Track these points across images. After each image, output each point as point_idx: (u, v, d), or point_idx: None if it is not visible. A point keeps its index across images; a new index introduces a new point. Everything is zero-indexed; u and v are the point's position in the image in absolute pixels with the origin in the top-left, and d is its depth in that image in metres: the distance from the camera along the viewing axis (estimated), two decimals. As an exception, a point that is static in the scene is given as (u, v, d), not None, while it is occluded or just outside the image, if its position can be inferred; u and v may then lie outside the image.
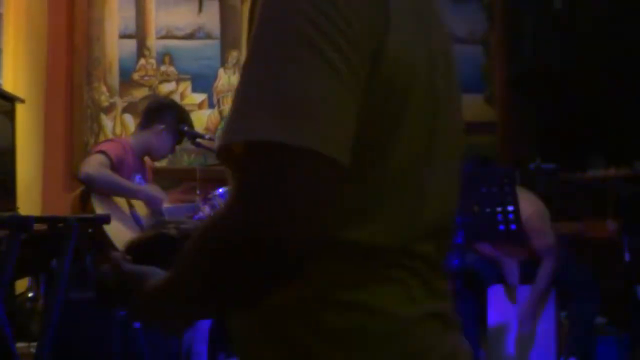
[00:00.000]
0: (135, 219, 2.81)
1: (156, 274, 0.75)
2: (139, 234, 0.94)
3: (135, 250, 0.88)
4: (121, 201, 2.78)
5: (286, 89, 0.60)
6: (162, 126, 2.93)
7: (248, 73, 0.63)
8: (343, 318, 0.67)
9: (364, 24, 0.62)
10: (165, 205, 3.01)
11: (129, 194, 2.78)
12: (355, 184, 0.65)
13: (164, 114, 2.95)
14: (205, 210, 3.24)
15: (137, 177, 2.89)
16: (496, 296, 3.28)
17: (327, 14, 0.60)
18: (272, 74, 0.61)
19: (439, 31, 0.74)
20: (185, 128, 3.03)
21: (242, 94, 0.62)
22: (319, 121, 0.60)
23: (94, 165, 2.66)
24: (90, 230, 2.57)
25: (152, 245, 0.89)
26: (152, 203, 2.84)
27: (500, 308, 3.27)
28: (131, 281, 0.75)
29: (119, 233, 2.65)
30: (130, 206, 2.82)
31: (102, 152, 2.73)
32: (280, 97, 0.60)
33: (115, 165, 2.73)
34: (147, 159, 3.07)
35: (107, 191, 2.70)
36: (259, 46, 0.63)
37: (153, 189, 2.93)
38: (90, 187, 2.65)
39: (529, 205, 3.08)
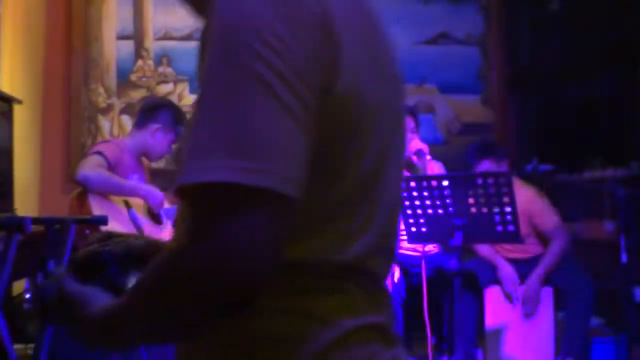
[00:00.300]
0: (133, 218, 2.81)
1: (97, 297, 0.75)
2: (86, 248, 0.92)
3: (79, 265, 0.87)
4: (119, 201, 2.78)
5: (240, 129, 0.60)
6: (158, 126, 2.92)
7: (201, 112, 0.63)
8: (285, 324, 0.68)
9: (314, 56, 0.63)
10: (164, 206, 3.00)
11: (128, 192, 2.77)
12: (306, 203, 0.65)
13: (159, 114, 2.95)
14: None
15: (135, 177, 2.89)
16: (494, 297, 3.29)
17: (276, 50, 0.61)
18: (225, 113, 0.61)
19: (388, 53, 0.78)
20: (182, 129, 3.03)
21: (197, 133, 0.62)
22: (275, 160, 0.60)
23: (90, 166, 2.66)
24: (87, 232, 2.57)
25: (95, 261, 0.88)
26: (152, 199, 2.83)
27: (497, 309, 3.28)
28: (71, 301, 0.75)
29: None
30: (128, 206, 2.82)
31: (98, 153, 2.73)
32: (235, 136, 0.60)
33: (112, 166, 2.73)
34: (144, 160, 3.06)
35: (105, 191, 2.70)
36: (211, 84, 0.62)
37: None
38: (88, 188, 2.65)
39: (526, 190, 3.31)
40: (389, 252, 0.79)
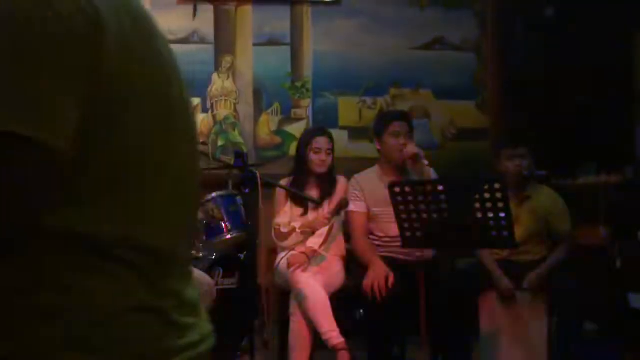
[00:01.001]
0: None
1: None
2: None
3: None
4: None
5: (13, 87, 0.63)
6: None
7: None
8: (49, 298, 0.69)
9: (79, 35, 0.67)
10: None
11: None
12: (75, 170, 0.69)
13: None
14: (199, 215, 3.24)
15: None
16: (488, 302, 3.29)
17: (45, 21, 0.65)
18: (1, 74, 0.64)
19: (166, 48, 0.83)
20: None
21: None
22: (44, 115, 0.64)
23: None
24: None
25: None
26: None
27: (492, 314, 3.28)
28: None
29: None
30: None
31: None
32: (8, 92, 0.63)
33: None
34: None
35: None
36: None
37: None
38: None
39: (552, 193, 3.42)
40: (183, 235, 0.81)
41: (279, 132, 4.51)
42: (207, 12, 4.47)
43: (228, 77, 4.48)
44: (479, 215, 2.60)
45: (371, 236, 3.37)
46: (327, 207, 3.32)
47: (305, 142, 3.39)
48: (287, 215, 3.36)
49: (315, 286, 3.08)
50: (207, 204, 3.37)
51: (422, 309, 2.95)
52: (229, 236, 3.49)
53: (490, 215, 2.60)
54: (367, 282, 3.06)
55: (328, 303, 3.06)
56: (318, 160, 3.34)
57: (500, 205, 2.58)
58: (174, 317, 0.77)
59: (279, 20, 4.52)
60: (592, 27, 4.43)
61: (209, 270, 3.19)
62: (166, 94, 0.79)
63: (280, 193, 3.39)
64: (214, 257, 3.31)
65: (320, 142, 3.36)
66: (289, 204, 3.38)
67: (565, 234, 3.36)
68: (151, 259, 0.75)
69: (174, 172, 0.80)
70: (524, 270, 3.28)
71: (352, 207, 3.34)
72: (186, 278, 0.83)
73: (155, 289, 0.76)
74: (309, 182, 3.40)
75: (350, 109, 4.55)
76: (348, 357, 2.95)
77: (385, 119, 3.41)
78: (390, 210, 2.85)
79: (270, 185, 3.12)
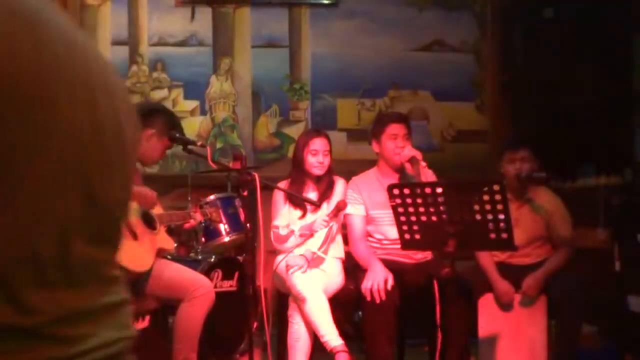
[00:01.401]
0: (126, 224, 2.80)
1: None
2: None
3: None
4: None
5: None
6: (152, 131, 2.92)
7: None
8: None
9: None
10: (157, 212, 2.99)
11: None
12: None
13: (153, 119, 2.94)
14: (197, 217, 3.24)
15: None
16: (487, 305, 3.29)
17: None
18: None
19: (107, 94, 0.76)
20: (177, 135, 3.03)
21: None
22: None
23: None
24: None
25: None
26: (143, 200, 2.82)
27: (491, 317, 3.28)
28: None
29: None
30: None
31: None
32: None
33: None
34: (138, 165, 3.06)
35: None
36: None
37: (147, 198, 2.92)
38: None
39: (553, 195, 3.40)
40: (65, 242, 0.70)
41: (277, 134, 4.50)
42: (205, 15, 4.47)
43: (226, 79, 4.47)
44: (478, 217, 2.60)
45: (370, 239, 3.37)
46: (325, 209, 3.32)
47: (302, 144, 3.38)
48: (285, 218, 3.35)
49: (314, 288, 3.07)
50: (205, 207, 3.37)
51: (420, 311, 2.94)
52: (227, 238, 3.49)
53: (490, 217, 2.59)
54: (365, 284, 3.05)
55: (327, 305, 3.05)
56: (315, 162, 3.34)
57: (499, 207, 2.57)
58: (45, 331, 0.68)
59: (277, 23, 4.52)
60: (592, 28, 4.42)
61: (207, 273, 3.19)
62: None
63: (278, 195, 3.38)
64: (212, 259, 3.31)
65: (317, 143, 3.35)
66: (287, 206, 3.38)
67: (566, 238, 3.35)
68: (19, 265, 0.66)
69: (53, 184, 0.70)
70: (524, 273, 3.27)
71: (350, 209, 3.33)
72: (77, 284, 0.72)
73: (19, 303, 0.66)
74: (307, 184, 3.40)
75: (349, 111, 4.55)
76: (347, 359, 2.94)
77: (382, 122, 3.41)
78: (389, 213, 2.84)
79: (268, 187, 3.12)
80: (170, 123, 2.99)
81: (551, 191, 3.44)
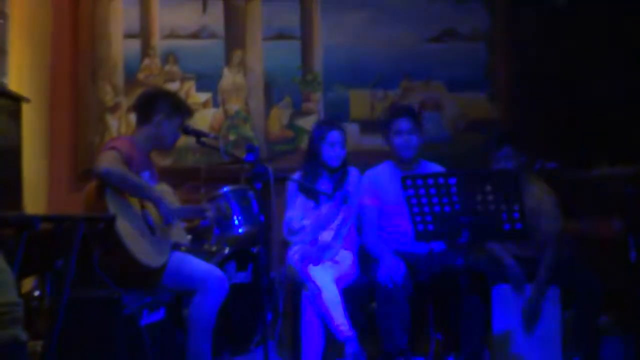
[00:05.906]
0: (146, 219, 2.81)
1: None
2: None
3: None
4: (134, 200, 2.78)
5: None
6: (160, 116, 2.92)
7: None
8: None
9: None
10: (173, 206, 2.99)
11: (141, 195, 2.77)
12: None
13: (157, 105, 2.94)
14: (210, 215, 3.19)
15: (146, 174, 2.89)
16: (501, 296, 3.28)
17: None
18: None
19: None
20: (191, 127, 3.03)
21: None
22: None
23: (109, 161, 2.65)
24: (101, 226, 2.57)
25: None
26: (161, 208, 2.83)
27: (505, 308, 3.27)
28: None
29: (129, 232, 2.65)
30: (142, 206, 2.82)
31: (114, 148, 2.72)
32: None
33: (126, 162, 2.73)
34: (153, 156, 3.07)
35: (121, 187, 2.69)
36: None
37: (165, 193, 2.93)
38: (106, 183, 2.64)
39: (544, 189, 3.30)
40: None
41: (290, 126, 4.51)
42: (216, 7, 4.47)
43: (238, 71, 4.48)
44: (491, 207, 2.59)
45: (383, 230, 3.37)
46: (339, 200, 3.32)
47: (318, 136, 3.38)
48: (299, 209, 3.36)
49: (327, 280, 3.08)
50: (218, 199, 3.38)
51: (434, 302, 2.94)
52: (241, 231, 3.50)
53: (503, 208, 2.59)
54: (379, 276, 3.05)
55: (339, 297, 3.06)
56: (334, 154, 3.34)
57: (513, 198, 2.56)
58: None
59: (288, 14, 4.51)
60: (605, 15, 4.38)
61: (222, 265, 3.20)
62: None
63: (291, 187, 3.39)
64: (226, 251, 3.32)
65: (335, 136, 3.36)
66: (300, 197, 3.38)
67: (551, 235, 3.24)
68: None
69: None
70: (532, 264, 3.25)
71: (364, 201, 3.34)
72: None
73: None
74: (321, 175, 3.40)
75: (361, 102, 4.54)
76: (359, 350, 2.95)
77: (387, 117, 3.42)
78: (402, 204, 2.84)
79: (281, 179, 3.12)
80: (173, 103, 2.99)
81: (547, 185, 3.37)
